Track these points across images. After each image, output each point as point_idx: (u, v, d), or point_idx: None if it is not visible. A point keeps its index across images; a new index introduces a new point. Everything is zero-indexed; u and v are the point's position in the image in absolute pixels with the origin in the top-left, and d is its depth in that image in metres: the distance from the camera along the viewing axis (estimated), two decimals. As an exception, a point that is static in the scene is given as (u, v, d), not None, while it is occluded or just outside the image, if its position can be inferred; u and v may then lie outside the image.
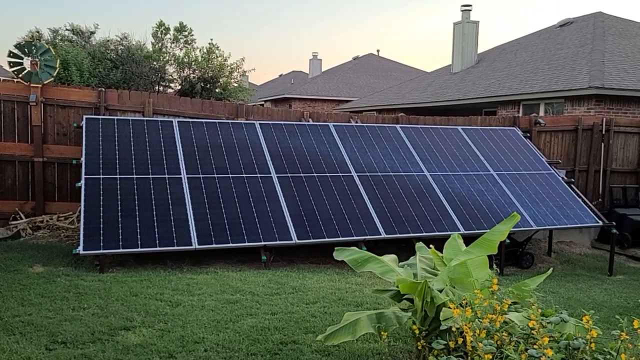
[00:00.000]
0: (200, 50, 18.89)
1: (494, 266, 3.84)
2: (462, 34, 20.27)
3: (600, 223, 9.18)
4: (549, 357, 2.07)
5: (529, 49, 18.85)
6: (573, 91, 13.62)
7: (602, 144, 11.43)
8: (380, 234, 7.69)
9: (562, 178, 9.90)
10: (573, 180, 10.43)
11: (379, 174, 8.67)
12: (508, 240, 8.63)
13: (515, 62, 18.19)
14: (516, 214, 3.79)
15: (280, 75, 44.38)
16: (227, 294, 5.75)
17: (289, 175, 8.14)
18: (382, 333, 3.63)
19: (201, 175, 7.69)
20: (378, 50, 40.39)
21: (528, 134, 10.77)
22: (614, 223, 9.51)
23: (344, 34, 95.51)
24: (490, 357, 2.39)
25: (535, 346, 2.30)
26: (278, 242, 7.18)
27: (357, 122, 9.81)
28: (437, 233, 7.89)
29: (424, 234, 7.85)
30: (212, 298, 5.58)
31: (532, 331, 2.33)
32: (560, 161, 10.88)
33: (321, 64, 36.03)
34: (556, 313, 2.88)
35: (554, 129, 11.19)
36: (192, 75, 18.54)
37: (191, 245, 6.78)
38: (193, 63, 18.32)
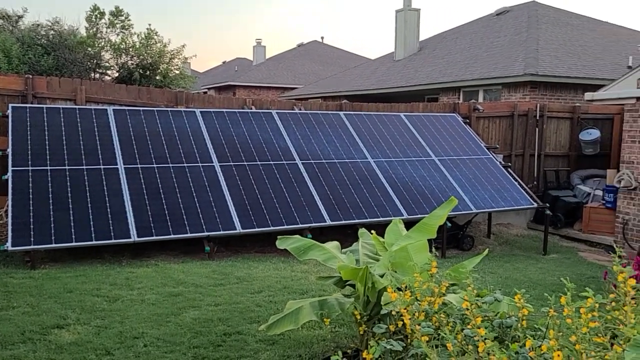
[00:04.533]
0: (138, 36, 18.22)
1: (433, 250, 3.90)
2: (404, 22, 20.51)
3: (535, 205, 9.56)
4: (482, 336, 2.11)
5: (469, 36, 19.32)
6: (509, 78, 14.11)
7: (537, 129, 11.89)
8: (326, 221, 7.70)
9: (500, 162, 10.23)
10: (510, 164, 10.80)
11: (323, 161, 8.66)
12: (449, 224, 8.85)
13: (455, 50, 18.61)
14: (454, 198, 3.86)
15: (223, 63, 43.57)
16: (169, 287, 5.61)
17: (232, 164, 8.00)
18: (325, 320, 3.62)
19: (139, 165, 7.43)
20: (322, 38, 40.42)
21: (467, 120, 11.05)
22: (547, 205, 9.92)
23: (288, 20, 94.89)
24: (428, 338, 2.42)
25: (469, 326, 2.34)
26: (222, 232, 7.06)
27: (300, 110, 9.75)
28: (381, 219, 7.98)
29: (369, 219, 7.93)
30: (152, 291, 5.42)
31: (466, 312, 2.38)
32: (498, 146, 11.24)
33: (265, 51, 35.61)
34: (490, 293, 2.96)
35: (492, 115, 11.53)
36: (130, 62, 17.87)
37: (130, 237, 6.55)
38: (131, 49, 17.65)
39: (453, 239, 9.42)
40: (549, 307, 2.29)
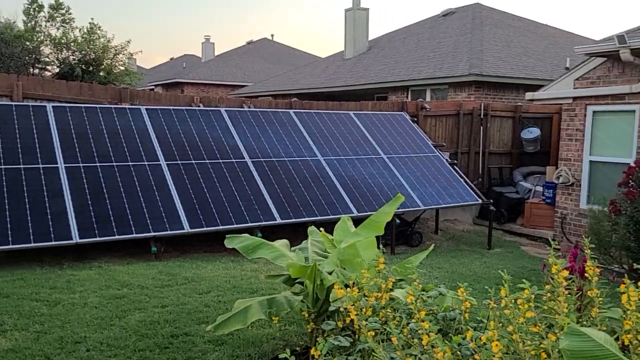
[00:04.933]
0: (80, 31, 17.58)
1: (381, 246, 3.95)
2: (354, 21, 20.69)
3: (480, 201, 9.86)
4: (425, 329, 2.15)
5: (416, 37, 19.69)
6: (455, 78, 14.48)
7: (481, 128, 12.26)
8: (276, 220, 7.67)
9: (447, 160, 10.48)
10: (456, 161, 11.09)
11: (273, 159, 8.62)
12: (398, 221, 9.01)
13: (403, 50, 18.93)
14: (400, 195, 3.92)
15: (171, 59, 42.64)
16: (113, 289, 5.44)
17: (180, 162, 7.84)
18: (274, 318, 3.61)
19: (81, 164, 7.16)
20: (272, 35, 40.19)
21: (415, 119, 11.26)
22: (491, 201, 10.25)
23: (238, 17, 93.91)
24: (373, 333, 2.45)
25: (413, 320, 2.39)
26: (169, 232, 6.91)
27: (250, 107, 9.66)
28: (331, 216, 8.02)
29: (319, 217, 7.95)
30: (95, 294, 5.24)
31: (411, 306, 2.42)
32: (444, 144, 11.51)
33: (214, 48, 35.09)
34: (435, 287, 3.03)
35: (439, 114, 11.80)
36: (71, 57, 17.21)
37: (71, 239, 6.31)
38: (72, 44, 17.00)
39: (402, 236, 9.59)
40: (490, 299, 2.36)
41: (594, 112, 9.29)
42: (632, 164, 7.77)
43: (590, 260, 2.77)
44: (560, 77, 10.01)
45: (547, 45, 17.85)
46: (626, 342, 2.11)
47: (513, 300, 2.11)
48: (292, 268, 3.61)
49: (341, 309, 3.05)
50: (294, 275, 3.72)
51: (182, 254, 7.48)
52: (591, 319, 2.45)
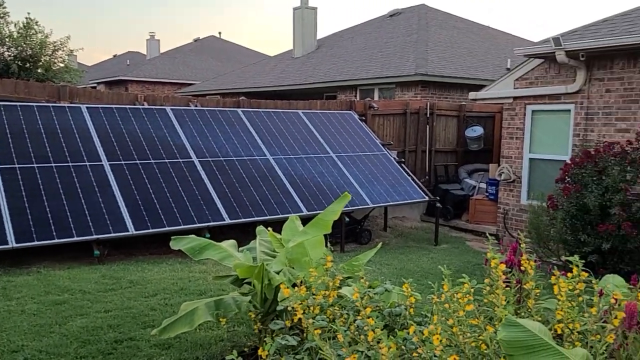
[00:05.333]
0: (15, 26, 16.76)
1: (329, 244, 3.97)
2: (302, 20, 20.70)
3: (427, 198, 10.08)
4: (371, 326, 2.18)
5: (364, 36, 19.91)
6: (402, 77, 14.74)
7: (427, 127, 12.54)
8: (224, 220, 7.58)
9: (394, 158, 10.66)
10: (404, 160, 11.28)
11: (221, 158, 8.51)
12: (348, 219, 9.09)
13: (352, 49, 19.10)
14: (347, 193, 3.95)
15: (114, 56, 41.35)
16: (53, 295, 5.22)
17: (123, 162, 7.61)
18: (221, 320, 3.56)
19: (17, 165, 6.84)
20: (220, 33, 39.64)
21: (364, 118, 11.39)
22: (438, 198, 10.50)
23: (183, 14, 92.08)
24: (320, 331, 2.46)
25: (359, 317, 2.41)
26: (113, 234, 6.69)
27: (197, 106, 9.50)
28: (281, 216, 8.00)
29: (268, 217, 7.91)
30: (34, 301, 5.02)
31: (356, 303, 2.44)
32: (392, 142, 11.70)
33: (159, 45, 34.26)
34: (381, 284, 3.07)
35: (386, 113, 11.98)
36: (6, 53, 16.39)
37: (7, 244, 6.01)
38: (7, 40, 16.19)
39: (352, 234, 9.68)
40: (434, 294, 2.41)
41: (533, 111, 9.67)
42: (568, 161, 8.14)
43: (527, 253, 2.88)
44: (501, 78, 10.36)
45: (489, 46, 18.45)
46: (559, 331, 2.21)
47: (454, 295, 2.17)
48: (239, 268, 3.57)
49: (289, 308, 3.05)
50: (241, 275, 3.69)
51: (127, 257, 7.27)
52: (528, 310, 2.54)
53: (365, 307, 2.33)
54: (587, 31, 8.59)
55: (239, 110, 9.74)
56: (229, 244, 4.14)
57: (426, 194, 10.07)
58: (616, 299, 2.30)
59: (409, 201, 9.85)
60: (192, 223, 7.26)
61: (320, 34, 22.04)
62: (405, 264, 8.03)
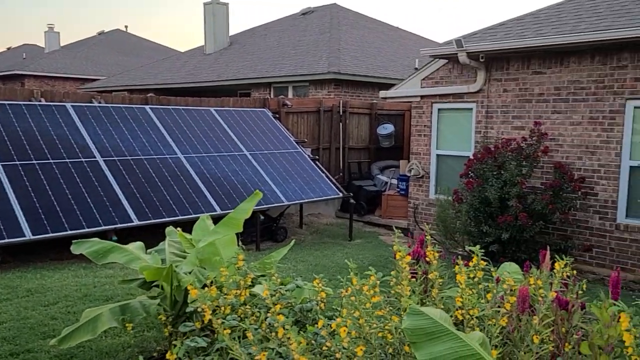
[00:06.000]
0: None
1: (240, 243, 3.92)
2: (213, 15, 20.30)
3: (341, 195, 10.25)
4: (280, 322, 2.17)
5: (277, 34, 19.88)
6: (316, 75, 14.88)
7: (341, 124, 12.75)
8: (133, 221, 7.26)
9: (309, 156, 10.74)
10: (318, 157, 11.40)
11: (129, 157, 8.14)
12: (263, 217, 9.03)
13: (265, 46, 19.01)
14: (259, 191, 3.92)
15: (8, 49, 38.32)
16: (-64, 310, 4.74)
17: (18, 163, 7.06)
18: (127, 325, 3.40)
19: None
20: (126, 27, 37.97)
21: (277, 115, 11.37)
22: (352, 194, 10.71)
23: (87, 5, 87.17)
24: (229, 331, 2.41)
25: (269, 314, 2.40)
26: (7, 240, 6.19)
27: (100, 103, 9.02)
28: (193, 215, 7.79)
29: (181, 217, 7.68)
30: None
31: (266, 301, 2.43)
32: (306, 140, 11.78)
33: (59, 38, 32.16)
34: (293, 280, 3.07)
35: (300, 110, 12.04)
36: None
37: None
38: None
39: (267, 231, 9.63)
40: (344, 287, 2.45)
41: (439, 109, 10.13)
42: (471, 157, 8.61)
43: (433, 245, 3.00)
44: (409, 77, 10.75)
45: (398, 46, 19.09)
46: (460, 317, 2.32)
47: (362, 288, 2.21)
48: (146, 271, 3.43)
49: (199, 310, 2.97)
50: (149, 278, 3.55)
51: (23, 264, 6.76)
52: (433, 299, 2.65)
53: (275, 304, 2.32)
54: (485, 34, 9.12)
55: (147, 107, 9.37)
56: (135, 246, 3.97)
57: (340, 191, 10.23)
58: (511, 286, 2.45)
59: (324, 198, 9.97)
60: (97, 225, 6.89)
61: (233, 31, 21.74)
62: (321, 260, 8.12)
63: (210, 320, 2.95)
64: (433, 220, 9.74)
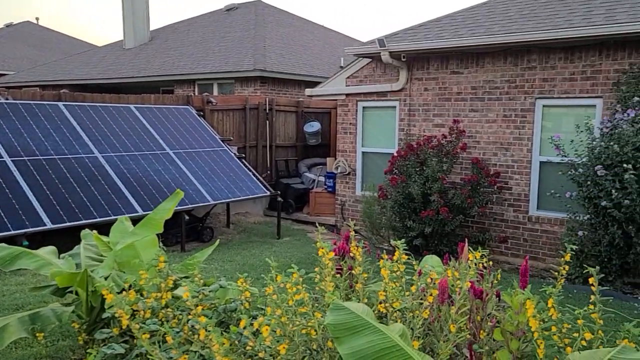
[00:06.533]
0: None
1: (161, 244, 3.78)
2: (132, 8, 19.52)
3: (269, 193, 10.18)
4: (202, 324, 2.11)
5: (201, 29, 19.45)
6: (241, 72, 14.70)
7: (267, 122, 12.67)
8: (46, 225, 6.83)
9: (235, 154, 10.58)
10: (244, 155, 11.27)
11: (40, 157, 7.66)
12: (188, 217, 8.81)
13: (188, 42, 18.54)
14: (180, 190, 3.81)
15: None
16: None
17: None
18: (38, 335, 3.19)
19: None
20: (37, 19, 35.71)
21: (202, 113, 11.11)
22: (279, 192, 10.67)
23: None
24: (148, 336, 2.32)
25: (190, 316, 2.33)
26: None
27: (7, 99, 8.42)
28: (113, 217, 7.44)
29: (99, 219, 7.32)
30: None
31: (187, 302, 2.35)
32: (232, 138, 11.60)
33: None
34: (216, 281, 3.00)
35: (226, 108, 11.84)
36: None
37: None
38: None
39: (193, 232, 9.41)
40: (267, 285, 2.41)
41: (364, 107, 10.31)
42: (395, 154, 8.84)
43: (357, 241, 3.03)
44: (335, 75, 10.87)
45: (324, 45, 19.24)
46: (384, 311, 2.36)
47: (289, 285, 2.19)
48: (58, 277, 3.23)
49: (116, 315, 2.83)
50: (62, 284, 3.34)
51: None
52: (357, 294, 2.68)
53: (196, 305, 2.25)
54: (406, 34, 9.38)
55: (60, 104, 8.85)
56: (47, 251, 3.73)
57: (268, 189, 10.17)
58: (432, 278, 2.52)
59: (251, 196, 9.86)
60: (5, 230, 6.42)
61: (153, 26, 21.02)
62: (249, 259, 8.04)
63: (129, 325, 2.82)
64: (360, 217, 9.91)
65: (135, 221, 4.23)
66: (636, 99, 6.87)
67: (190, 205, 8.51)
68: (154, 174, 8.71)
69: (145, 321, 2.62)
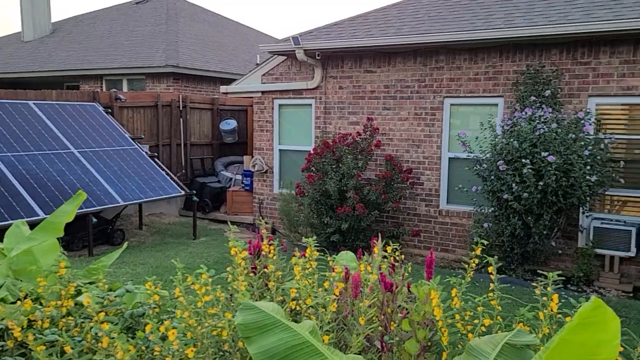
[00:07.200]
0: None
1: (61, 248, 3.55)
2: (32, -1, 18.25)
3: (183, 192, 9.90)
4: (105, 331, 2.00)
5: (108, 22, 18.54)
6: (152, 68, 14.18)
7: (181, 119, 12.31)
8: None
9: (146, 153, 10.18)
10: (157, 154, 10.88)
11: None
12: (95, 219, 8.36)
13: (94, 36, 17.61)
14: (82, 192, 3.59)
15: None
16: None
17: None
18: None
19: None
20: None
21: (110, 110, 10.60)
22: (194, 191, 10.41)
23: None
24: (44, 347, 2.16)
25: (92, 323, 2.20)
26: None
27: None
28: (11, 222, 6.90)
29: (-6, 224, 6.77)
30: None
31: (88, 309, 2.22)
32: (143, 136, 11.16)
33: None
34: (123, 285, 2.86)
35: (136, 105, 11.37)
36: None
37: None
38: None
39: (102, 235, 8.97)
40: (175, 287, 2.33)
41: (280, 105, 10.29)
42: (312, 151, 8.90)
43: (274, 239, 3.01)
44: (250, 72, 10.75)
45: (240, 41, 19.00)
46: (297, 308, 2.35)
47: (190, 286, 2.12)
48: (-58, 289, 2.93)
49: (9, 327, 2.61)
50: (-53, 297, 3.03)
51: None
52: (271, 292, 2.65)
53: (99, 312, 2.12)
54: (321, 32, 9.47)
55: (-52, 99, 8.09)
56: None
57: (182, 188, 9.88)
58: (336, 272, 2.55)
59: (164, 196, 9.54)
60: None
61: (55, 17, 19.76)
62: (163, 261, 7.77)
63: (26, 335, 2.62)
64: (278, 214, 9.89)
65: (36, 225, 3.94)
66: (532, 98, 7.38)
67: (97, 207, 8.08)
68: (57, 175, 8.19)
69: (44, 331, 2.43)
